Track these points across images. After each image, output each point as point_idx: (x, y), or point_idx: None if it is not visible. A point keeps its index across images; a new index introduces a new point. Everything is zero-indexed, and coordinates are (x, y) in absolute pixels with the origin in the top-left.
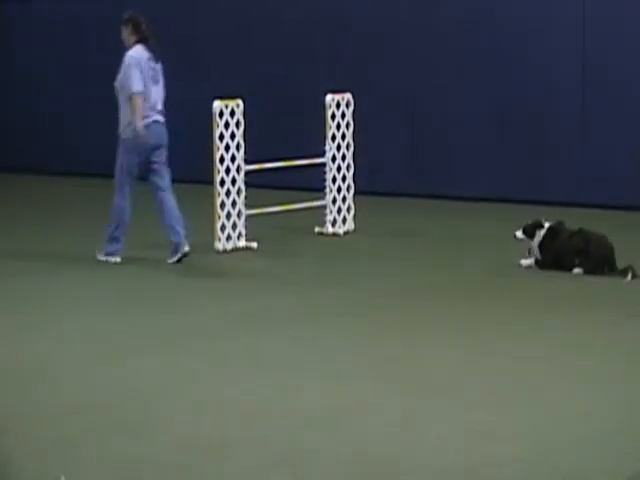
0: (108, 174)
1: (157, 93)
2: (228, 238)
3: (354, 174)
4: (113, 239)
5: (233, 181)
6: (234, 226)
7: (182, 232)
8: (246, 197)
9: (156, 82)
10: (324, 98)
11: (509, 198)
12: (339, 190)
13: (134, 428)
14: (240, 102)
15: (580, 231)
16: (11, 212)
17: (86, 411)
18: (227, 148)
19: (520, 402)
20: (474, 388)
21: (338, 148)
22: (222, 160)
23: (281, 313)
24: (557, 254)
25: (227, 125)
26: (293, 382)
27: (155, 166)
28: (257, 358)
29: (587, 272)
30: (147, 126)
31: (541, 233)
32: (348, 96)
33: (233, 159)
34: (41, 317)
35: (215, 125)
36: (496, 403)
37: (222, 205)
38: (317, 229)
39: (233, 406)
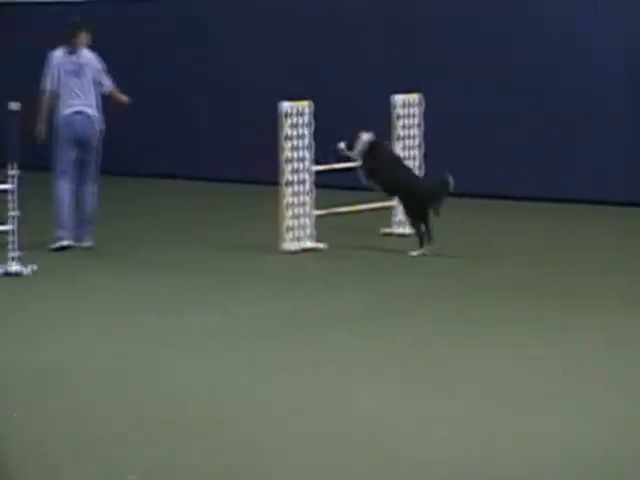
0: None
1: (79, 86)
2: (296, 239)
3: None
4: (57, 225)
5: (302, 182)
6: (302, 227)
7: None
8: (315, 198)
9: (78, 75)
10: (391, 98)
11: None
12: None
13: (182, 429)
14: (310, 103)
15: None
16: None
17: (131, 411)
18: (296, 149)
19: (534, 403)
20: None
21: (409, 148)
22: (289, 161)
23: (340, 312)
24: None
25: (296, 126)
26: (337, 384)
27: (84, 161)
28: (306, 358)
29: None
30: (69, 116)
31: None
32: (417, 96)
33: (302, 160)
34: (97, 313)
35: (282, 126)
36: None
37: (289, 206)
38: (384, 230)
39: (280, 407)
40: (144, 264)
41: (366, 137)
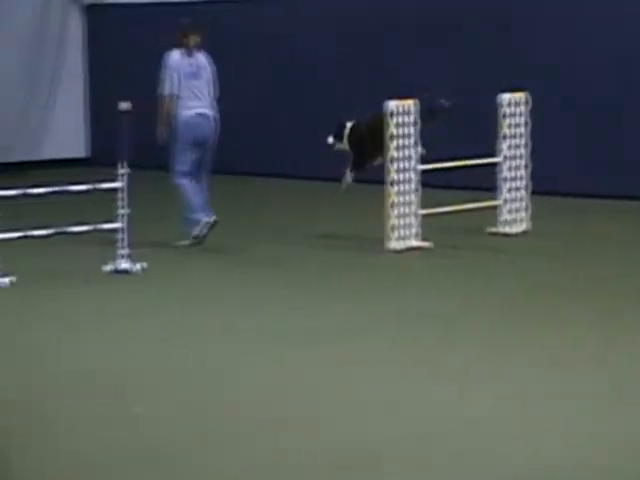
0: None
1: (198, 87)
2: (401, 238)
3: (532, 174)
4: (194, 211)
5: (408, 181)
6: (408, 226)
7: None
8: (421, 197)
9: (197, 77)
10: (498, 97)
11: None
12: (517, 189)
13: (293, 427)
14: (416, 102)
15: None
16: None
17: (243, 408)
18: (402, 148)
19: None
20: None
21: (515, 147)
22: (395, 160)
23: (439, 311)
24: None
25: (402, 125)
26: (435, 382)
27: (202, 161)
28: (406, 357)
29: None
30: (190, 118)
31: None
32: (524, 95)
33: (408, 159)
34: (182, 308)
35: (387, 125)
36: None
37: (394, 205)
38: (490, 229)
39: (384, 407)
40: (249, 262)
41: (350, 124)
